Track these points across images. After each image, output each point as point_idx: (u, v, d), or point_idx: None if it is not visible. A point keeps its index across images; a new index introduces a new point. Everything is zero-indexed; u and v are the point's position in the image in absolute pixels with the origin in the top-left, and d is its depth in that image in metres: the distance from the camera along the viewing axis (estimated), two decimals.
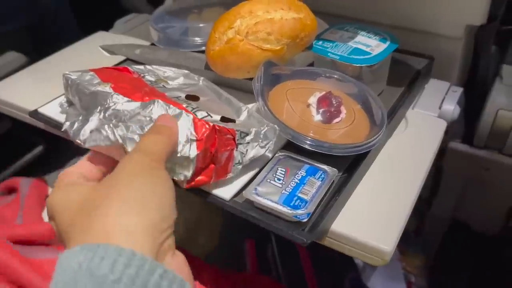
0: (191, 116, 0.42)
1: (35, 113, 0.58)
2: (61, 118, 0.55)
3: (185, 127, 0.41)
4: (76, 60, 0.71)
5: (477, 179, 0.79)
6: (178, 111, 0.43)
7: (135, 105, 0.43)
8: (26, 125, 0.62)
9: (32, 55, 1.17)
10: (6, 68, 1.18)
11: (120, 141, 0.41)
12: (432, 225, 0.97)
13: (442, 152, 0.78)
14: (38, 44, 1.35)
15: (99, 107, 0.44)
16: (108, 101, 0.44)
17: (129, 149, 0.40)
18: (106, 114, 0.43)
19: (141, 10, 1.16)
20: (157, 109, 0.43)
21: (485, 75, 0.73)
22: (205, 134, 0.41)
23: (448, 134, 0.58)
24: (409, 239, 0.99)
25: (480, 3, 0.60)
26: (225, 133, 0.44)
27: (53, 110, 0.57)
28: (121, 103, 0.43)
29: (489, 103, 0.69)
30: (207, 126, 0.42)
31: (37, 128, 0.60)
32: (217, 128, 0.43)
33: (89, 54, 0.72)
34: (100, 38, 0.77)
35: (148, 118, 0.42)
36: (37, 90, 0.63)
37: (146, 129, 0.41)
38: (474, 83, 0.75)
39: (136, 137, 0.41)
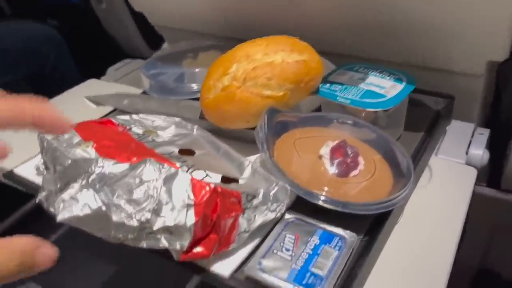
0: (189, 176, 0.36)
1: (10, 175, 0.51)
2: (39, 180, 0.49)
3: (181, 189, 0.35)
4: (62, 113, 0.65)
5: (506, 224, 0.72)
6: (173, 170, 0.36)
7: (123, 167, 0.37)
8: None
9: None
10: None
11: (104, 208, 0.34)
12: (458, 273, 0.88)
13: None
14: (40, 92, 1.33)
15: (82, 175, 0.37)
16: (93, 167, 0.37)
17: (114, 217, 0.34)
18: (89, 180, 0.36)
19: (144, 55, 1.13)
20: (149, 169, 0.36)
21: (509, 113, 0.67)
22: (204, 198, 0.35)
23: None
24: None
25: (502, 37, 0.54)
26: (229, 196, 0.37)
27: (31, 171, 0.51)
28: (107, 165, 0.37)
29: None
30: (207, 188, 0.35)
31: None
32: (219, 190, 0.36)
33: (76, 105, 0.66)
34: (89, 87, 0.72)
35: (137, 180, 0.36)
36: (14, 148, 0.57)
37: (135, 193, 0.35)
38: (497, 121, 0.68)
39: (123, 203, 0.34)
